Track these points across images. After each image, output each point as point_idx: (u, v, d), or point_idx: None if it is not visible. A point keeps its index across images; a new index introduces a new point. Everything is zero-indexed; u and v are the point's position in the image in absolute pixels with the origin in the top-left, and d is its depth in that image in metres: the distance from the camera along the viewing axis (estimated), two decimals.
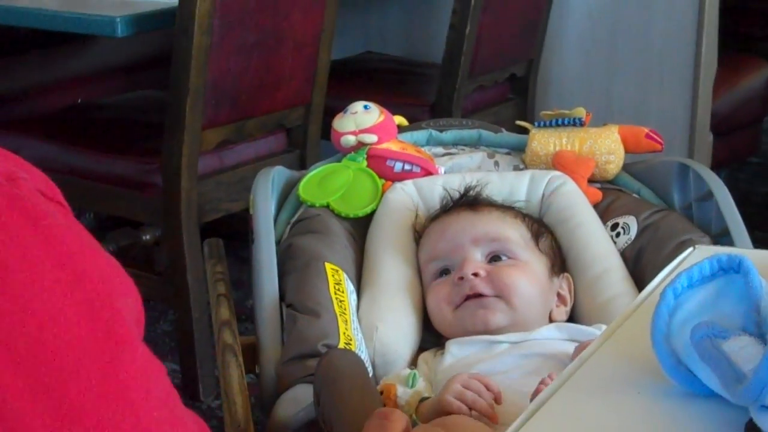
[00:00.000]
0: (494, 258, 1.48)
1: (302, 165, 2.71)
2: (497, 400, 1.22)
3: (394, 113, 1.72)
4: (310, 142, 2.81)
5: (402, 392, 1.30)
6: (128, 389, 0.62)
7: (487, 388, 1.23)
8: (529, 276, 1.46)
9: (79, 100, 3.26)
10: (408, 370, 1.36)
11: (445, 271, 1.49)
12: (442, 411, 1.21)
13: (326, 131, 1.76)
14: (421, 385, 1.31)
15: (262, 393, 1.38)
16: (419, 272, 1.54)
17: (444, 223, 1.53)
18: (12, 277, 0.60)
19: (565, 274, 1.53)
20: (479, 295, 1.43)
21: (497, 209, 1.54)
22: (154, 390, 0.64)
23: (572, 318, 1.51)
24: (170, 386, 0.66)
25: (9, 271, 0.60)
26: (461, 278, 1.44)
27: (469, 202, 1.56)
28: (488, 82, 3.17)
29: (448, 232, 1.51)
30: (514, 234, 1.50)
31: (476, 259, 1.47)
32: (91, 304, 0.63)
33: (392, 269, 1.53)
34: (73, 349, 0.61)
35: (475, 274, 1.43)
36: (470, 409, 1.20)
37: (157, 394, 0.64)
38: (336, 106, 1.87)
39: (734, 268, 0.80)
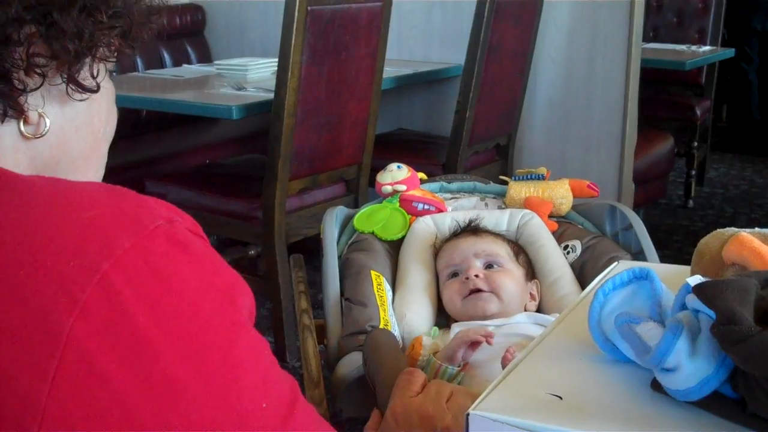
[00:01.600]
0: (489, 266, 1.47)
1: (356, 205, 2.72)
2: (489, 335, 1.25)
3: (418, 170, 1.72)
4: (361, 189, 2.82)
5: (426, 340, 1.30)
6: (243, 359, 0.62)
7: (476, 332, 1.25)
8: (512, 279, 1.45)
9: (207, 161, 3.29)
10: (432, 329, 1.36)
11: (455, 274, 1.48)
12: (455, 345, 1.24)
13: (372, 182, 1.76)
14: (438, 337, 1.31)
15: (328, 358, 1.38)
16: (435, 278, 1.53)
17: (455, 243, 1.52)
18: (170, 286, 0.61)
19: (535, 279, 1.52)
20: (479, 290, 1.42)
21: (491, 234, 1.54)
22: (261, 359, 0.64)
23: (538, 309, 1.51)
24: (272, 356, 0.66)
25: (168, 283, 0.61)
26: (467, 278, 1.44)
27: (472, 229, 1.56)
28: (481, 149, 3.17)
29: (458, 248, 1.50)
30: (502, 251, 1.49)
31: (477, 266, 1.46)
32: (222, 301, 0.63)
33: (416, 275, 1.52)
34: (210, 329, 0.61)
35: (477, 276, 1.43)
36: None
37: (263, 361, 0.64)
38: (379, 165, 1.86)
39: (644, 277, 0.79)
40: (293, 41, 2.34)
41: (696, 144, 4.23)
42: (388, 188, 1.66)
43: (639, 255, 1.51)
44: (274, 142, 2.44)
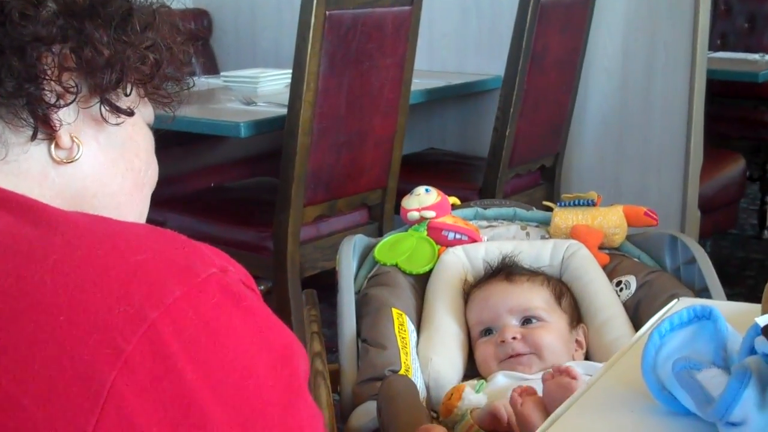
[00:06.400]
0: (526, 320, 1.47)
1: (379, 234, 2.70)
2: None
3: (450, 195, 1.73)
4: (385, 217, 2.81)
5: (469, 393, 1.30)
6: (301, 428, 0.63)
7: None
8: (553, 334, 1.45)
9: (212, 184, 3.29)
10: (478, 380, 1.35)
11: (488, 331, 1.49)
12: (489, 413, 1.22)
13: (398, 209, 1.77)
14: (482, 396, 1.31)
15: (342, 407, 1.38)
16: (465, 318, 1.54)
17: (486, 292, 1.52)
18: (222, 341, 0.62)
19: (582, 324, 1.52)
20: (518, 354, 1.43)
21: (527, 279, 1.53)
22: (318, 428, 0.66)
23: (586, 356, 1.49)
24: (324, 428, 0.68)
25: (220, 337, 0.62)
26: (503, 341, 1.44)
27: (505, 272, 1.55)
28: (523, 171, 3.17)
29: (490, 301, 1.50)
30: (541, 301, 1.50)
31: (513, 324, 1.47)
32: (277, 362, 0.64)
33: (444, 315, 1.52)
34: (265, 393, 0.62)
35: (514, 338, 1.44)
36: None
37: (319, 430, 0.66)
38: (406, 189, 1.86)
39: (707, 316, 0.79)
40: (309, 50, 2.35)
41: None
42: (415, 214, 1.66)
43: (703, 292, 1.51)
44: (287, 164, 2.44)
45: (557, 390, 1.23)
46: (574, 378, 1.22)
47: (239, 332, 0.63)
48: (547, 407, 1.24)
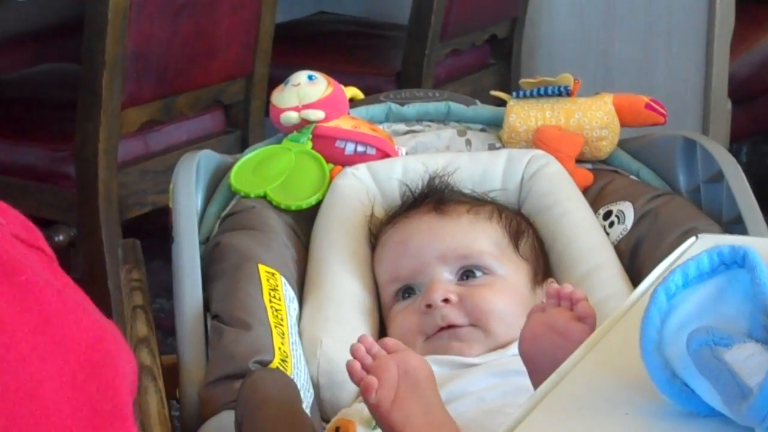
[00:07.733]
0: (467, 273, 1.48)
1: (244, 147, 2.68)
2: None
3: (353, 84, 1.73)
4: (252, 121, 2.81)
5: None
6: None
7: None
8: (507, 295, 1.47)
9: None
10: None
11: (408, 290, 1.50)
12: None
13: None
14: None
15: (183, 420, 1.38)
16: (374, 276, 1.55)
17: (405, 232, 1.53)
18: None
19: (550, 279, 1.53)
20: (453, 326, 1.43)
21: (467, 210, 1.54)
22: None
23: None
24: None
25: None
26: (430, 305, 1.44)
27: (434, 201, 1.55)
28: (464, 45, 3.18)
29: (410, 246, 1.51)
30: (488, 244, 1.50)
31: (445, 278, 1.47)
32: (74, 375, 0.63)
33: (342, 272, 1.53)
34: (55, 426, 0.61)
35: (446, 300, 1.44)
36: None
37: None
38: (283, 77, 1.83)
39: (738, 262, 0.80)
40: None
41: None
42: (293, 116, 1.65)
43: (734, 225, 1.53)
44: (93, 41, 2.41)
45: (545, 335, 1.19)
46: (585, 315, 1.19)
47: (10, 326, 0.62)
48: (525, 363, 1.22)
